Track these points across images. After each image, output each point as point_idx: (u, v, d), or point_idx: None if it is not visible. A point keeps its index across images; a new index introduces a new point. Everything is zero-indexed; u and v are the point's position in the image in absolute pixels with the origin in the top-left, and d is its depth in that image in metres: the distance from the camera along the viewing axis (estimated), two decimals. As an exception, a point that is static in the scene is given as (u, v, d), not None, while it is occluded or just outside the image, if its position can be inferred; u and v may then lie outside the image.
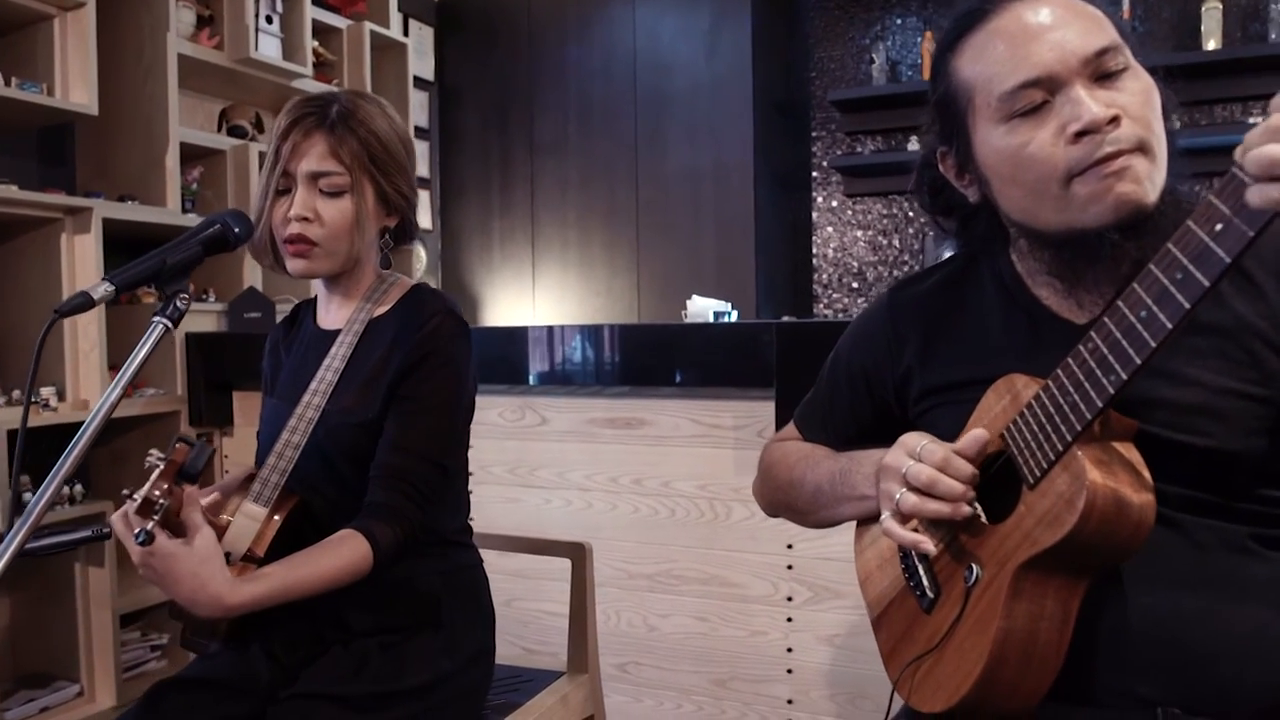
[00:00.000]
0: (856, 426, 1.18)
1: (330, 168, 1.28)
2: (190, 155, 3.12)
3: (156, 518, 1.02)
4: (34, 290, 2.56)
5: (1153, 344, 0.78)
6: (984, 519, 0.93)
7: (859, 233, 4.61)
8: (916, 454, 0.95)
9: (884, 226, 4.57)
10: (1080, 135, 0.89)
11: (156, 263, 1.09)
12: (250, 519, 1.25)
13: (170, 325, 1.09)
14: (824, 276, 4.68)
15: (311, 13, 3.50)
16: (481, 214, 4.81)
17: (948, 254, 1.16)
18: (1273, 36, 3.77)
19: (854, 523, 1.15)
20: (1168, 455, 0.88)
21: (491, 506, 2.21)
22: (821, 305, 4.69)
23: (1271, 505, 0.92)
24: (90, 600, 2.56)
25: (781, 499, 1.23)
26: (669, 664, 2.08)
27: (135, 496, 1.04)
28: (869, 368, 1.15)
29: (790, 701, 1.96)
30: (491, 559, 1.51)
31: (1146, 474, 0.84)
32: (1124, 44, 0.93)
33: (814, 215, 4.69)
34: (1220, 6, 3.81)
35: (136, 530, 1.02)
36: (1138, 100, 0.91)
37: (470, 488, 1.49)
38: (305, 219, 1.28)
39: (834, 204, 4.65)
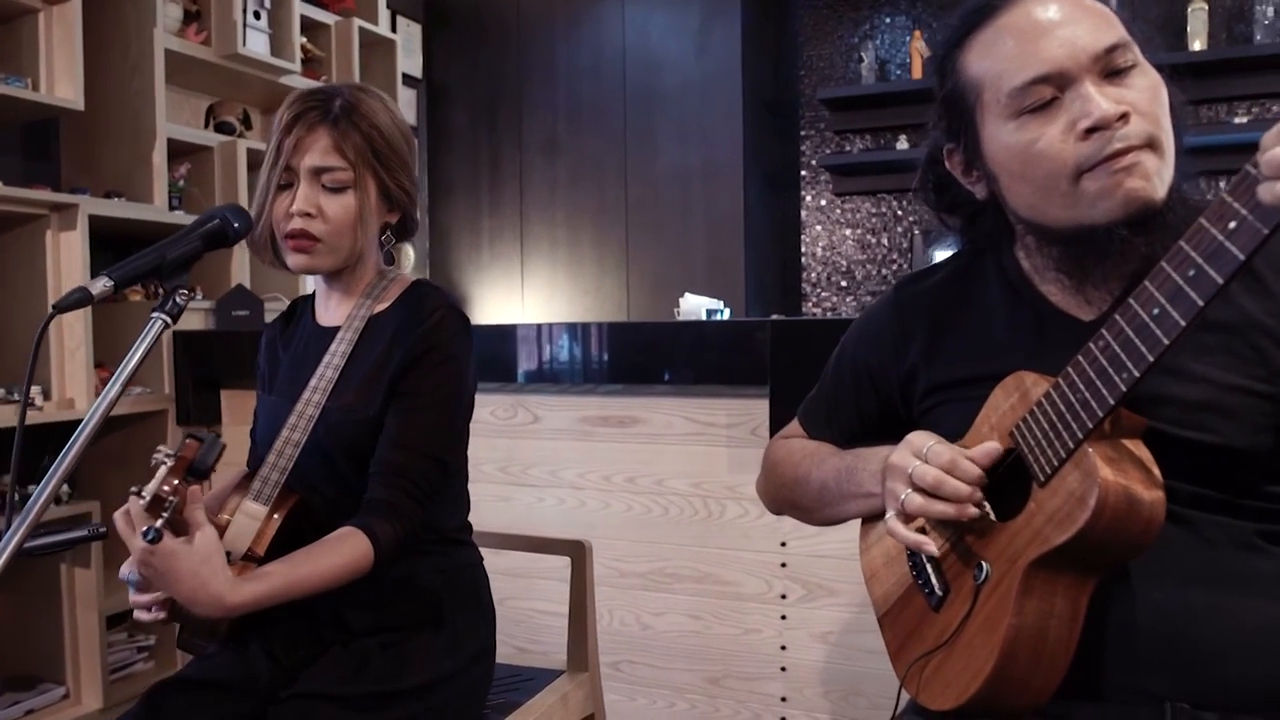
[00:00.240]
0: (861, 423, 1.17)
1: (334, 163, 1.27)
2: (177, 151, 3.09)
3: (165, 515, 1.01)
4: (19, 288, 2.53)
5: (1165, 341, 0.78)
6: (993, 517, 0.93)
7: (847, 231, 4.62)
8: (923, 455, 0.95)
9: (872, 225, 4.59)
10: (1090, 131, 0.89)
11: (156, 257, 1.08)
12: (250, 518, 1.23)
13: (170, 321, 1.08)
14: (813, 275, 4.68)
15: (300, 8, 3.48)
16: (470, 212, 4.80)
17: (937, 253, 1.16)
18: (1258, 38, 3.81)
19: (853, 520, 1.15)
20: (1175, 452, 0.88)
21: (483, 505, 2.19)
22: (810, 304, 4.70)
23: (1277, 502, 0.93)
24: (76, 601, 2.53)
25: (786, 496, 1.23)
26: (663, 662, 2.08)
27: (144, 494, 1.02)
28: (874, 364, 1.15)
29: (784, 699, 1.96)
30: (485, 557, 1.50)
31: (1156, 471, 0.84)
32: (1132, 41, 0.93)
33: (803, 214, 4.69)
34: (1206, 7, 3.85)
35: (145, 528, 1.00)
36: (1146, 97, 0.91)
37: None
38: (308, 215, 1.27)
39: (823, 203, 4.66)
